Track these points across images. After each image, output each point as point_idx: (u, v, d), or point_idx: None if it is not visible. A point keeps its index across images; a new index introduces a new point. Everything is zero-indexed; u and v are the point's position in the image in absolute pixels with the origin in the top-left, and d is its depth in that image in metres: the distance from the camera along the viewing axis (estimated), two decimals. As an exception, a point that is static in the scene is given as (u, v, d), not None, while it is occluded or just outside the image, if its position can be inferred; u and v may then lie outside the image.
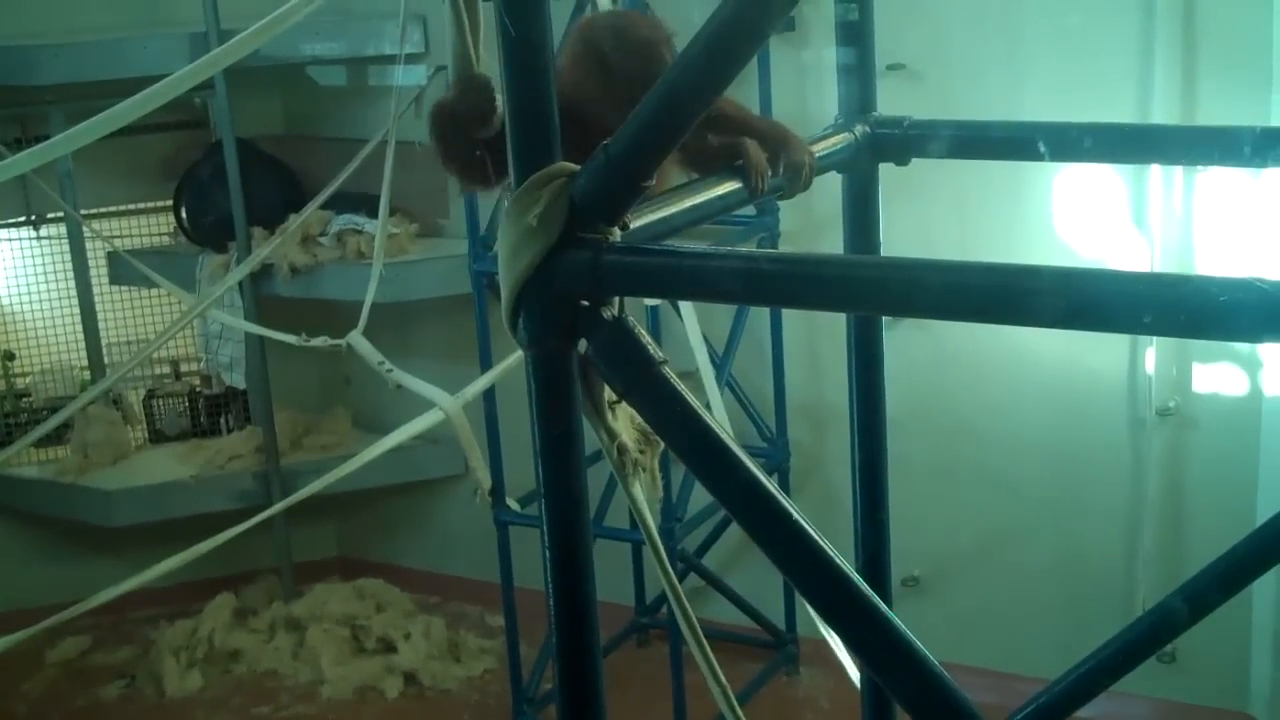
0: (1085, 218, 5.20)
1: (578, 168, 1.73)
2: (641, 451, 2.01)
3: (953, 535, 5.72)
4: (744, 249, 2.23)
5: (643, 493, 2.03)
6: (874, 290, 1.66)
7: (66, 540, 6.83)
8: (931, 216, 5.25)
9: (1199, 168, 4.85)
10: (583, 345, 1.78)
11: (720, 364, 5.33)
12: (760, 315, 5.69)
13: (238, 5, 5.88)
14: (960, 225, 5.40)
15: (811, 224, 5.54)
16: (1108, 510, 5.43)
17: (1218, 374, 5.13)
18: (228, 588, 6.68)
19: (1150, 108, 5.01)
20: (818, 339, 5.78)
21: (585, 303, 1.76)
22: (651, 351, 1.75)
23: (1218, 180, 4.95)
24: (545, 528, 1.84)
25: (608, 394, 1.93)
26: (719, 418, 4.46)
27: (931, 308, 1.66)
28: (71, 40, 6.12)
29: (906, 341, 5.31)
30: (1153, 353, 5.16)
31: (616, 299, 1.79)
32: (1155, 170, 5.00)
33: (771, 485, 1.70)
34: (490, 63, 1.88)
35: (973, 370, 5.49)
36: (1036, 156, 2.49)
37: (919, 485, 5.44)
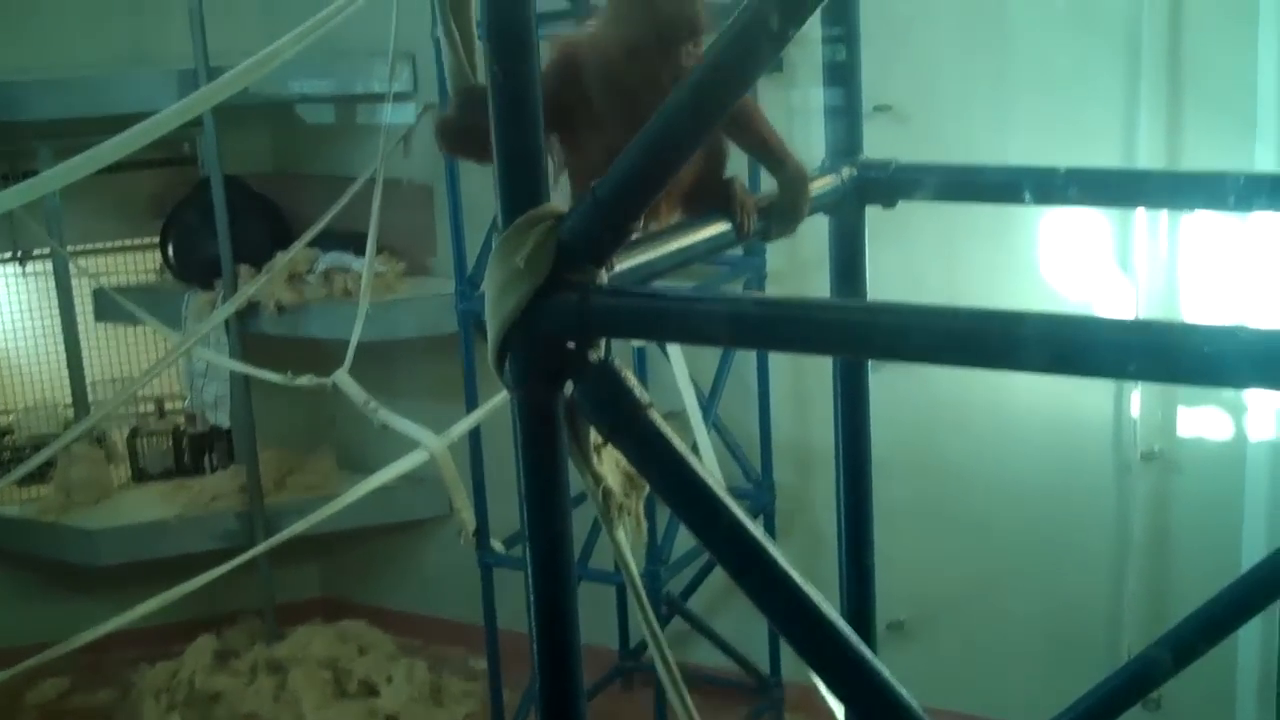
0: (1071, 260, 5.22)
1: (565, 210, 1.73)
2: (626, 495, 2.00)
3: (938, 579, 5.70)
4: (730, 292, 2.23)
5: (627, 537, 2.01)
6: (860, 335, 1.65)
7: (48, 580, 6.79)
8: (918, 258, 5.26)
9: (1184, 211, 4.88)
10: (569, 388, 1.78)
11: (706, 405, 5.32)
12: (747, 356, 5.69)
13: (226, 42, 5.90)
14: (947, 267, 5.42)
15: (798, 265, 5.55)
16: (1093, 554, 5.42)
17: (1202, 418, 5.14)
18: (209, 629, 6.64)
19: (1136, 151, 5.04)
20: (804, 380, 5.78)
21: (571, 345, 1.75)
22: (637, 395, 1.74)
23: (1202, 223, 4.97)
24: (530, 573, 1.82)
25: (593, 437, 1.92)
26: (707, 460, 4.45)
27: (918, 353, 1.66)
28: (60, 76, 6.13)
29: (893, 384, 5.28)
30: (1138, 396, 5.17)
31: (603, 341, 1.79)
32: (1140, 213, 5.02)
33: (757, 530, 1.69)
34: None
35: (958, 413, 5.49)
36: (1023, 200, 2.50)
37: (904, 528, 5.42)
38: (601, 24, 2.09)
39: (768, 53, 1.60)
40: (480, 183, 5.17)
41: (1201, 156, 4.94)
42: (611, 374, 1.75)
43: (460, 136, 2.06)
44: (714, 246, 2.11)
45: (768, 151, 2.19)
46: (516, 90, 1.70)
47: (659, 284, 1.90)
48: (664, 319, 1.78)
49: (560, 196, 2.07)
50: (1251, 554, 4.92)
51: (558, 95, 2.02)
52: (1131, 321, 1.59)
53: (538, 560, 1.82)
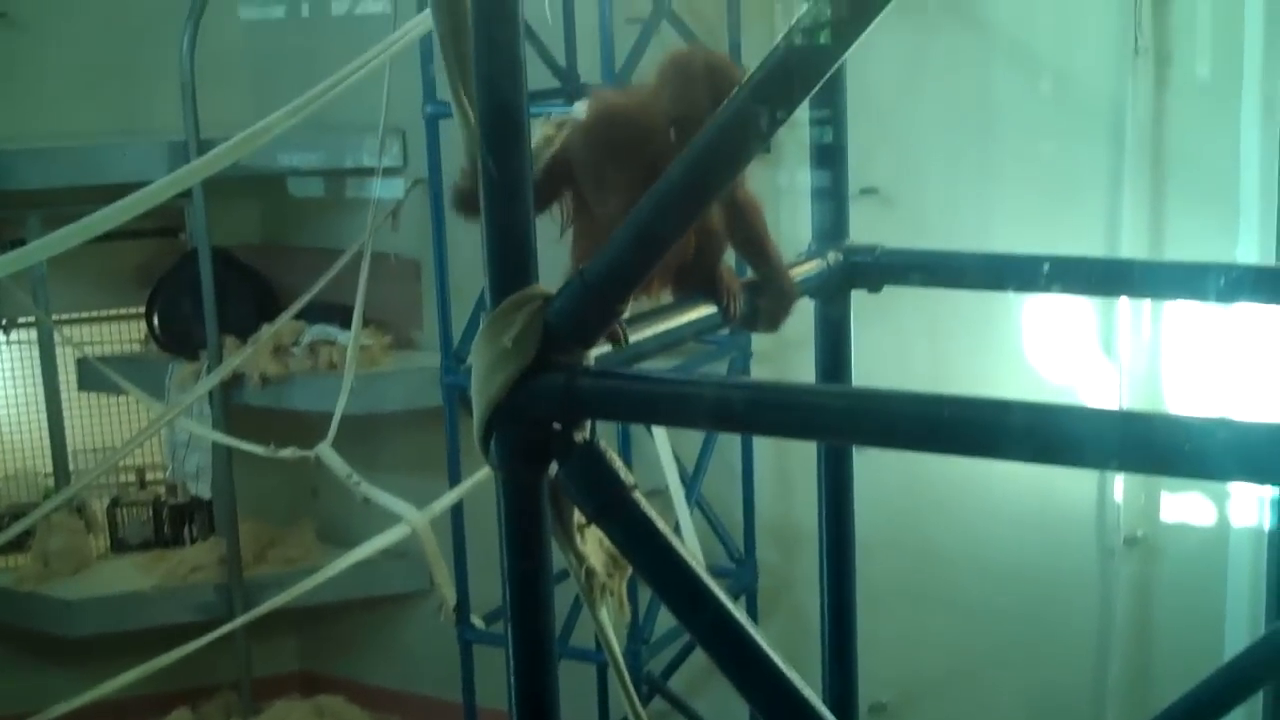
0: (1055, 345, 5.24)
1: (553, 293, 1.74)
2: (610, 575, 1.99)
3: (921, 661, 5.67)
4: (716, 375, 2.24)
5: (610, 617, 2.00)
6: (844, 422, 1.66)
7: (24, 650, 6.70)
8: (903, 341, 5.28)
9: (1167, 297, 4.90)
10: (554, 468, 1.78)
11: (690, 484, 5.31)
12: (731, 435, 5.68)
13: (217, 114, 5.93)
14: (932, 349, 5.43)
15: (783, 345, 5.56)
16: (1076, 638, 5.40)
17: (1186, 504, 5.14)
18: (185, 703, 6.56)
19: (1119, 239, 5.07)
20: (788, 460, 5.77)
21: (557, 426, 1.75)
22: (622, 477, 1.75)
23: (1186, 309, 5.00)
24: (510, 650, 1.81)
25: (577, 517, 1.92)
26: (688, 539, 4.44)
27: (903, 441, 1.66)
28: (50, 145, 6.15)
29: (876, 464, 5.23)
30: (1121, 481, 5.17)
31: (588, 422, 1.79)
32: (1124, 299, 5.05)
33: (739, 614, 1.69)
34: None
35: (943, 494, 5.48)
36: (1007, 287, 2.51)
37: (888, 609, 5.40)
38: (648, 92, 2.11)
39: (757, 139, 1.62)
40: (468, 258, 5.19)
41: (1184, 246, 4.98)
42: (596, 455, 1.75)
43: (473, 202, 2.08)
44: (700, 329, 2.12)
45: (763, 256, 2.21)
46: (507, 172, 1.71)
47: (644, 366, 1.91)
48: (650, 402, 1.78)
49: (563, 246, 2.09)
50: (1234, 640, 4.90)
51: (588, 152, 2.04)
52: (1118, 413, 1.59)
53: (519, 638, 1.81)
